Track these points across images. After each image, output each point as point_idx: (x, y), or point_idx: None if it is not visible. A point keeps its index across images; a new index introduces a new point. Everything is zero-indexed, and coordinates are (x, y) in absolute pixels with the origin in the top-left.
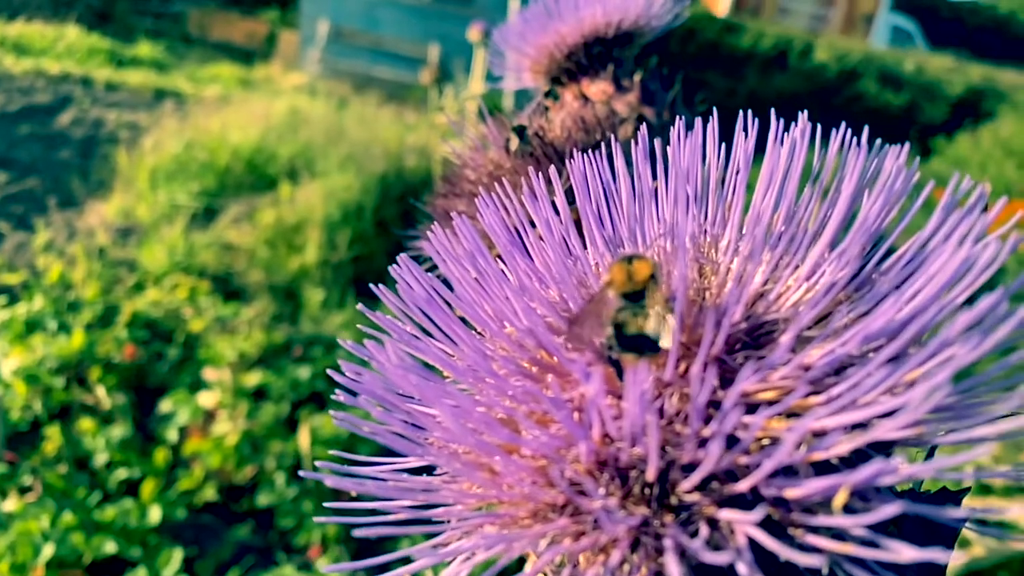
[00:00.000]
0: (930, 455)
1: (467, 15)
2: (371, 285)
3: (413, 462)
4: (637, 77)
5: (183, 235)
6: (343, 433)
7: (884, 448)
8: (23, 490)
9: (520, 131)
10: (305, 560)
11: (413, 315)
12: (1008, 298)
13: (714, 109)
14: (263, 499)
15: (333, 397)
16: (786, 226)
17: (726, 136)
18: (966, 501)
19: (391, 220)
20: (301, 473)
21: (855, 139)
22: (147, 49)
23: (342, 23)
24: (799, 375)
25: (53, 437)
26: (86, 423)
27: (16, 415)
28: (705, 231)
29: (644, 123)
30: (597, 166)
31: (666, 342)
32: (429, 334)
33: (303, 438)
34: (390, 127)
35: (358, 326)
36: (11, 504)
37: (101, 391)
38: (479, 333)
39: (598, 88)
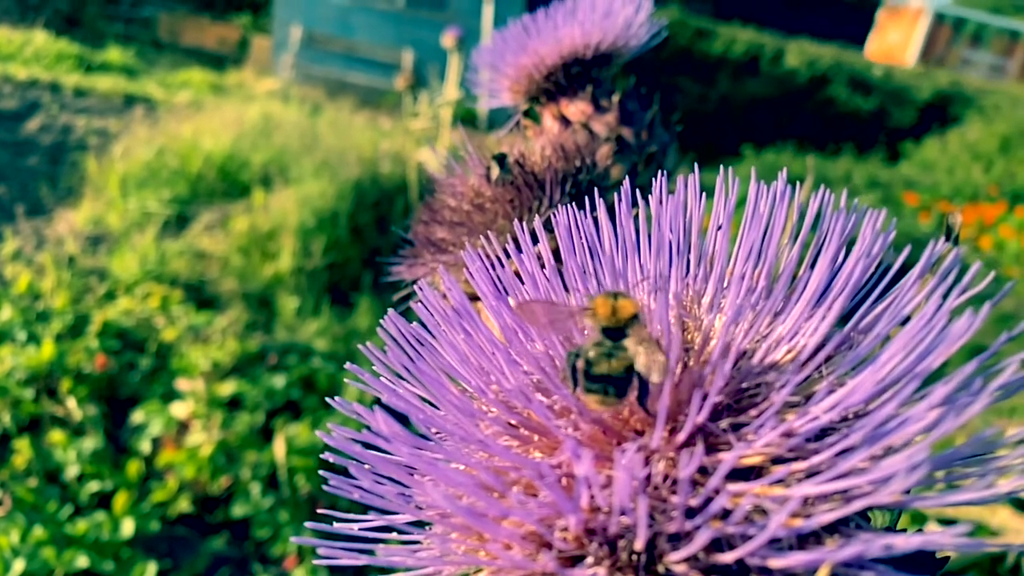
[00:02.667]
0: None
1: (441, 20)
2: (360, 346)
3: (400, 518)
4: (616, 98)
5: (155, 243)
6: (319, 443)
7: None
8: None
9: (500, 159)
10: (281, 571)
11: (399, 371)
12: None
13: (695, 165)
14: (238, 510)
15: (322, 457)
16: (767, 283)
17: (698, 136)
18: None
19: (366, 227)
20: (294, 540)
21: (833, 198)
22: (117, 54)
23: (315, 28)
24: (782, 442)
25: (22, 450)
26: (56, 435)
27: None
28: (688, 285)
29: (622, 144)
30: (582, 224)
31: (656, 377)
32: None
33: (278, 448)
34: (364, 133)
35: (346, 380)
36: None
37: (72, 403)
38: (465, 389)
39: (577, 108)
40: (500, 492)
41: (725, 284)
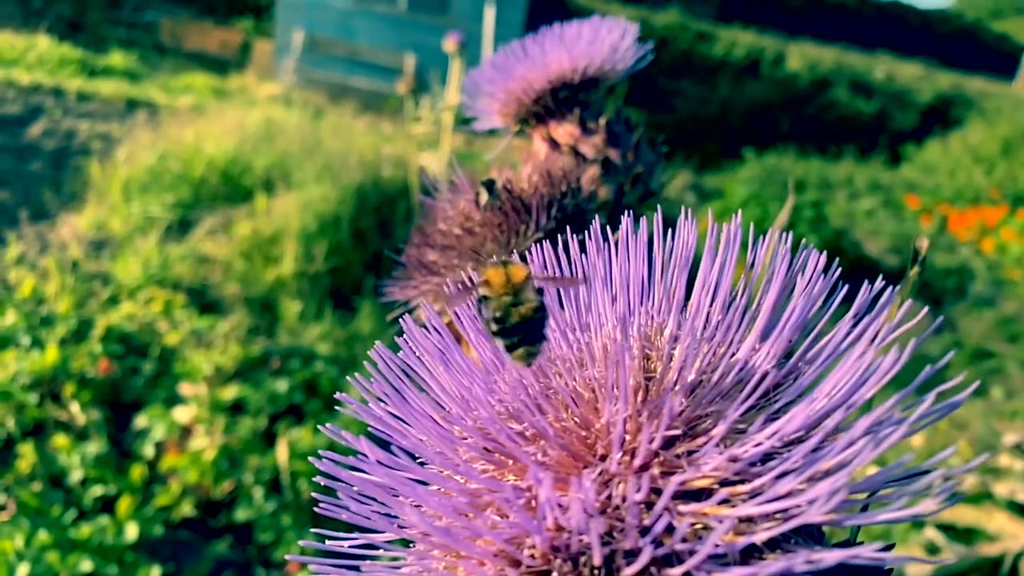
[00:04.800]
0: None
1: (442, 24)
2: (349, 378)
3: (385, 536)
4: (603, 120)
5: (158, 247)
6: (321, 447)
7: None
8: None
9: (489, 185)
10: (284, 575)
11: (385, 400)
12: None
13: (659, 208)
14: (241, 514)
15: (315, 480)
16: (722, 315)
17: (699, 139)
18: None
19: (368, 231)
20: (288, 557)
21: (784, 237)
22: (119, 59)
23: (317, 32)
24: (728, 466)
25: (27, 454)
26: (60, 440)
27: None
28: (652, 318)
29: (609, 165)
30: (554, 261)
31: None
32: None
33: (281, 452)
34: (366, 137)
35: (340, 399)
36: None
37: (75, 407)
38: (447, 416)
39: (565, 131)
40: (474, 514)
41: (686, 317)
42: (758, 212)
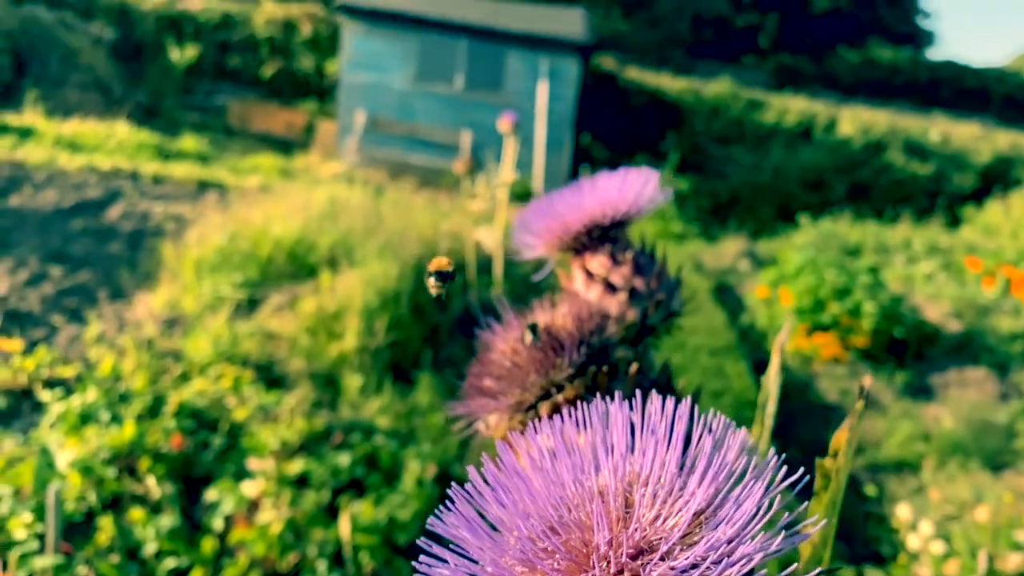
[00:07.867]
0: None
1: (497, 103)
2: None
3: None
4: (630, 254)
5: (227, 325)
6: (382, 521)
7: None
8: None
9: (533, 328)
10: None
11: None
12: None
13: (637, 394)
14: None
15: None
16: (676, 467)
17: (753, 205)
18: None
19: (426, 305)
20: None
21: (718, 419)
22: (191, 142)
23: (378, 113)
24: (669, 573)
25: (106, 527)
26: (137, 513)
27: (71, 506)
28: (631, 469)
29: (635, 292)
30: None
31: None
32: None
33: (344, 525)
34: (424, 213)
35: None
36: None
37: (151, 481)
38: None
39: (598, 262)
40: None
41: (654, 467)
42: (812, 280)
